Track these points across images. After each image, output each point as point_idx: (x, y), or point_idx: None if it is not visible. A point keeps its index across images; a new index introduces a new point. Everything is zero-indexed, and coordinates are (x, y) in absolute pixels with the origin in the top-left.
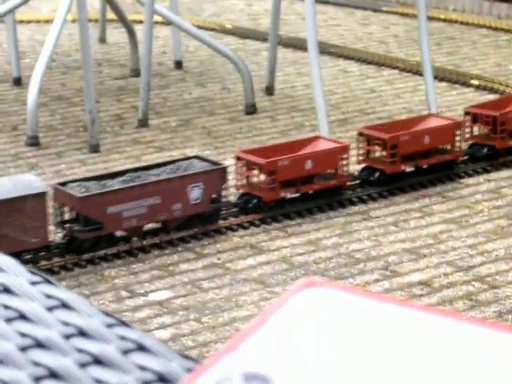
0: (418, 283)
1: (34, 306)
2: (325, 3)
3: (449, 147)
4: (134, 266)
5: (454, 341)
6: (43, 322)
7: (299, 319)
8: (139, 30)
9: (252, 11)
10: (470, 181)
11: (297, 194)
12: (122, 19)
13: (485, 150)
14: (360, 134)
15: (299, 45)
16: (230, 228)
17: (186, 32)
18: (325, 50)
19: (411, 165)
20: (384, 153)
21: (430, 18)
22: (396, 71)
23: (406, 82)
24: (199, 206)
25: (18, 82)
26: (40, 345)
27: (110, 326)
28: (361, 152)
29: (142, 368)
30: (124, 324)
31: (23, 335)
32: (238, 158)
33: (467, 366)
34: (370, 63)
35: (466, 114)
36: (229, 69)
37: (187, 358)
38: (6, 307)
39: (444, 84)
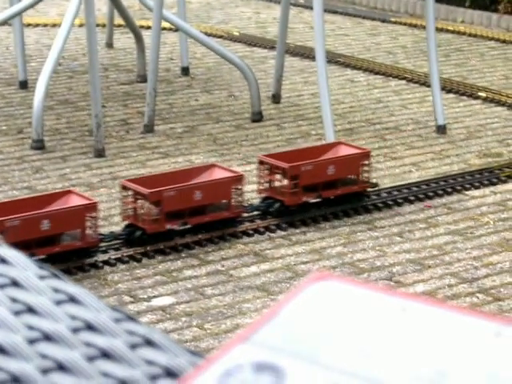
0: (422, 294)
1: (42, 300)
2: (333, 13)
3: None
4: (138, 271)
5: (472, 336)
6: (51, 316)
7: (311, 311)
8: (147, 36)
9: (260, 19)
10: (476, 193)
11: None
12: (129, 24)
13: (276, 205)
14: (261, 162)
15: (307, 53)
16: (234, 235)
17: (194, 38)
18: (332, 59)
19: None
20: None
21: (439, 30)
22: (403, 82)
23: (414, 93)
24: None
25: (24, 85)
26: (48, 338)
27: (117, 320)
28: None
29: (150, 362)
30: (132, 319)
31: (31, 328)
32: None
33: (483, 360)
34: (377, 73)
35: (260, 163)
36: (236, 76)
37: (195, 353)
38: (14, 300)
39: (451, 95)
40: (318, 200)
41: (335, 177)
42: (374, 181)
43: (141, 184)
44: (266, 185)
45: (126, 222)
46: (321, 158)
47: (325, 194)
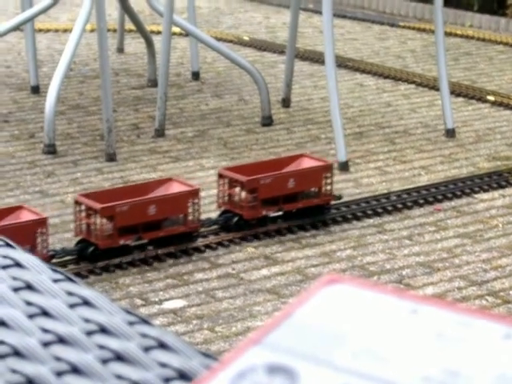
0: (432, 297)
1: (56, 303)
2: (342, 17)
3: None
4: (149, 275)
5: (481, 338)
6: (65, 319)
7: (323, 313)
8: (157, 41)
9: (270, 24)
10: (485, 196)
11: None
12: (140, 29)
13: (235, 218)
14: (220, 176)
15: (316, 58)
16: (244, 238)
17: (204, 43)
18: (342, 63)
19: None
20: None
21: (447, 34)
22: (412, 86)
23: (423, 97)
24: None
25: (36, 90)
26: (62, 340)
27: (131, 323)
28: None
29: (163, 365)
30: (145, 321)
31: (45, 331)
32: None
33: (492, 361)
34: (386, 77)
35: (219, 176)
36: (246, 80)
37: (208, 355)
38: (29, 303)
39: (460, 99)
40: (278, 213)
41: (296, 190)
42: (338, 193)
43: (94, 199)
44: (226, 198)
45: (79, 238)
46: (282, 170)
47: (286, 208)
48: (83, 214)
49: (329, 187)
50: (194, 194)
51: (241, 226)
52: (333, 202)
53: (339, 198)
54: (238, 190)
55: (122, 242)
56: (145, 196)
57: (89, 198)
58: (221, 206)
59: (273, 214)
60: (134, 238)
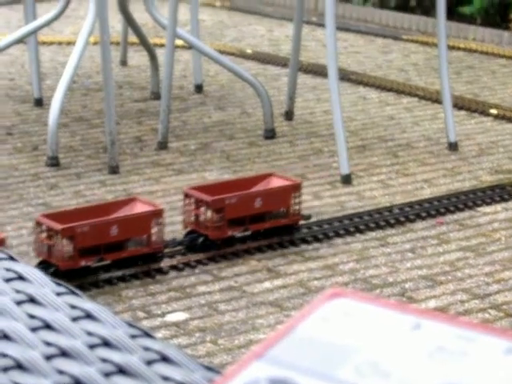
0: (435, 310)
1: (59, 316)
2: (345, 30)
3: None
4: (152, 288)
5: (483, 352)
6: (68, 332)
7: (326, 327)
8: (160, 54)
9: (273, 37)
10: (488, 209)
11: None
12: (143, 42)
13: (200, 239)
14: (186, 195)
15: (319, 71)
16: (247, 251)
17: (207, 56)
18: (345, 76)
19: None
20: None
21: (450, 47)
22: (415, 99)
23: (425, 110)
24: None
25: (39, 102)
26: (65, 354)
27: (133, 336)
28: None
29: (165, 378)
30: (148, 335)
31: (48, 344)
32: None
33: (494, 376)
34: (389, 90)
35: (185, 195)
36: (249, 93)
37: (210, 368)
38: (32, 317)
39: (463, 112)
40: (245, 234)
41: (263, 210)
42: (307, 213)
43: (55, 219)
44: (192, 218)
45: (40, 259)
46: (250, 190)
47: (252, 228)
48: (44, 235)
49: (297, 207)
50: (158, 214)
51: (207, 246)
52: (304, 222)
53: (308, 217)
54: (203, 209)
55: (83, 263)
56: (107, 216)
57: (50, 219)
58: (187, 226)
59: (239, 235)
60: (95, 259)
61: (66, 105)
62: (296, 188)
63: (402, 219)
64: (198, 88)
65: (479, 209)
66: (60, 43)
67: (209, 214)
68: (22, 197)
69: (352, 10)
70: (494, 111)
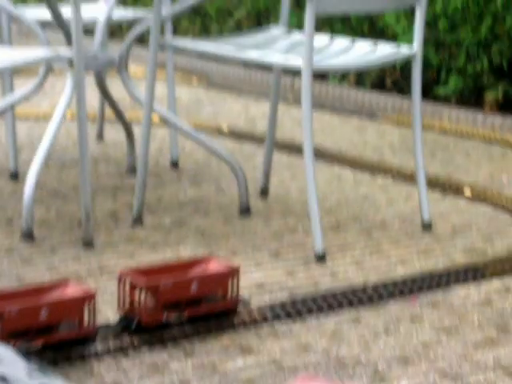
0: None
1: None
2: (321, 109)
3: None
4: (124, 363)
5: None
6: None
7: None
8: (137, 129)
9: (249, 114)
10: (461, 290)
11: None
12: (120, 118)
13: (134, 323)
14: (120, 279)
15: (295, 149)
16: (220, 328)
17: (183, 133)
18: (320, 155)
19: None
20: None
21: (425, 127)
22: (390, 178)
23: (400, 190)
24: None
25: (15, 176)
26: None
27: None
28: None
29: None
30: None
31: None
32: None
33: None
34: (364, 170)
35: (119, 279)
36: (224, 170)
37: None
38: None
39: (437, 193)
40: (181, 319)
41: (199, 294)
42: (246, 297)
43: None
44: (126, 302)
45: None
46: (187, 274)
47: (188, 313)
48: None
49: (235, 291)
50: (89, 298)
51: (140, 330)
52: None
53: (248, 302)
54: (137, 293)
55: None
56: (37, 299)
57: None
58: (121, 310)
59: (174, 319)
60: (24, 343)
61: (42, 179)
62: (233, 273)
63: (376, 299)
64: (174, 164)
65: (453, 289)
66: (37, 117)
67: (143, 297)
68: None
69: (328, 89)
70: (468, 192)
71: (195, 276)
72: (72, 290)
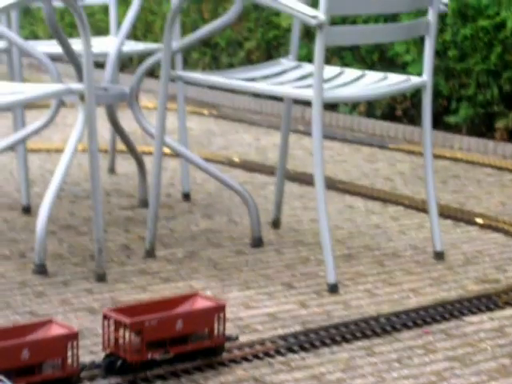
0: None
1: None
2: (332, 139)
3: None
4: None
5: None
6: None
7: None
8: (148, 161)
9: (260, 145)
10: (474, 319)
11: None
12: (131, 150)
13: (119, 362)
14: (105, 317)
15: (306, 179)
16: (233, 360)
17: (194, 164)
18: (331, 185)
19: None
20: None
21: (436, 156)
22: (401, 208)
23: (411, 219)
24: None
25: (27, 210)
26: None
27: None
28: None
29: None
30: None
31: None
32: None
33: None
34: (375, 199)
35: (104, 317)
36: (236, 202)
37: None
38: None
39: (449, 222)
40: (166, 357)
41: (185, 332)
42: (234, 334)
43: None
44: (111, 340)
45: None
46: (172, 311)
47: (173, 351)
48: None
49: (221, 328)
50: (73, 337)
51: (125, 369)
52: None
53: (236, 338)
54: (122, 332)
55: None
56: (19, 339)
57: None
58: (106, 349)
59: (160, 357)
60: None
61: (54, 212)
62: (220, 309)
63: (389, 329)
64: (186, 196)
65: (465, 318)
66: (48, 150)
67: (127, 336)
68: (8, 304)
69: (338, 119)
70: (479, 220)
71: (180, 313)
72: (55, 330)
